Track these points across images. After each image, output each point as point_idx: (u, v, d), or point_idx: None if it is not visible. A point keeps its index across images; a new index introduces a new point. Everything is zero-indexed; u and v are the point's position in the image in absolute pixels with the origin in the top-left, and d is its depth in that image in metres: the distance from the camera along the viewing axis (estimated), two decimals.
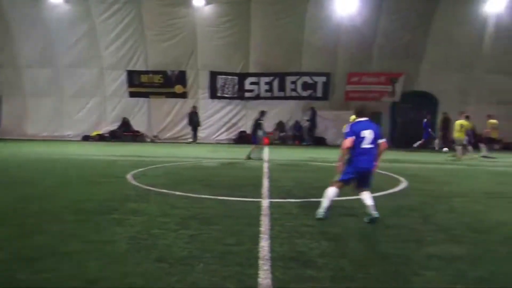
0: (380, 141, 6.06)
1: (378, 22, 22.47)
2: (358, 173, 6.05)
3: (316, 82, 24.47)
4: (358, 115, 6.30)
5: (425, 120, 21.78)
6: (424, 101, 23.81)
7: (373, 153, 6.02)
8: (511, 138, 24.27)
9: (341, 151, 6.10)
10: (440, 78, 23.31)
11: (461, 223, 6.13)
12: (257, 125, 15.32)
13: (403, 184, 9.64)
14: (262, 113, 15.64)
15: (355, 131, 6.01)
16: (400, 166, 13.31)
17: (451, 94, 23.56)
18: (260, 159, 14.78)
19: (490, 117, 18.54)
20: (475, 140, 18.38)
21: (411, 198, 8.09)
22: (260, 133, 15.19)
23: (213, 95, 24.95)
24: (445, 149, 19.33)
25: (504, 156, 18.70)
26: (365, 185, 6.12)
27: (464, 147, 16.96)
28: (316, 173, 11.90)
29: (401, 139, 23.61)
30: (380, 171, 11.66)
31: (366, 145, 5.94)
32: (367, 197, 6.00)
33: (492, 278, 4.00)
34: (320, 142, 24.29)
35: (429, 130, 21.69)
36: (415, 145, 21.37)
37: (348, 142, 5.96)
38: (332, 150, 20.27)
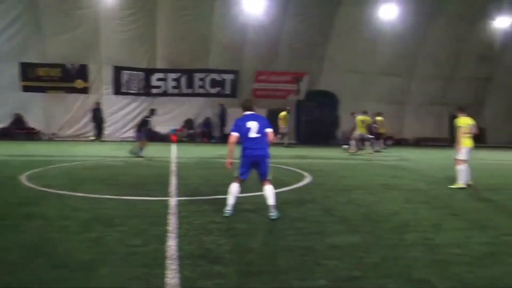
0: (267, 130, 6.25)
1: (284, 22, 23.20)
2: (252, 162, 6.24)
3: (224, 80, 24.60)
4: (244, 109, 6.49)
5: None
6: (326, 100, 25.17)
7: (262, 141, 6.22)
8: (401, 134, 26.71)
9: (228, 147, 6.28)
10: (340, 78, 24.85)
11: (358, 214, 6.59)
12: (144, 122, 14.91)
13: (307, 179, 10.08)
14: (152, 111, 15.24)
15: (239, 126, 6.26)
16: (305, 162, 13.93)
17: (350, 93, 25.23)
18: (140, 156, 13.99)
19: (378, 114, 20.31)
20: (374, 135, 19.81)
21: (314, 192, 8.50)
22: (144, 130, 14.61)
23: (118, 90, 23.79)
24: (345, 146, 20.60)
25: (395, 151, 20.44)
26: (263, 175, 6.24)
27: (362, 142, 18.30)
28: (225, 170, 11.87)
29: (306, 137, 24.73)
30: (287, 167, 12.17)
31: (253, 134, 6.15)
32: (269, 195, 6.11)
33: (383, 263, 4.35)
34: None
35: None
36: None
37: (232, 137, 6.24)
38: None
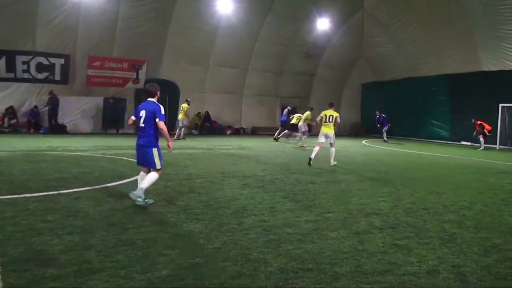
0: (157, 120, 6.34)
1: (120, 6, 22.04)
2: (137, 150, 6.56)
3: (53, 64, 22.23)
4: (146, 95, 6.70)
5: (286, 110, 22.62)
6: (167, 89, 24.86)
7: (145, 131, 6.40)
8: (239, 124, 28.12)
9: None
10: (180, 68, 24.90)
11: (199, 202, 6.76)
12: None
13: None
14: None
15: (136, 111, 6.54)
16: None
17: (191, 83, 25.51)
18: None
19: (187, 102, 21.52)
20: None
21: (156, 182, 8.38)
22: None
23: None
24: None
25: (234, 140, 21.43)
26: (143, 163, 6.55)
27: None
28: (56, 164, 10.89)
29: None
30: (127, 158, 11.73)
31: (141, 124, 6.39)
32: (142, 180, 6.42)
33: (223, 248, 4.56)
34: (60, 130, 22.30)
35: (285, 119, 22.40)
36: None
37: (129, 120, 6.67)
38: (73, 138, 19.10)
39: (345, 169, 11.49)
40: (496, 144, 20.47)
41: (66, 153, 13.22)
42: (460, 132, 23.13)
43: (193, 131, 25.85)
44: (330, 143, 11.99)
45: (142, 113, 6.39)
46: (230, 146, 17.70)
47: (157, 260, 4.12)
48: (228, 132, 26.97)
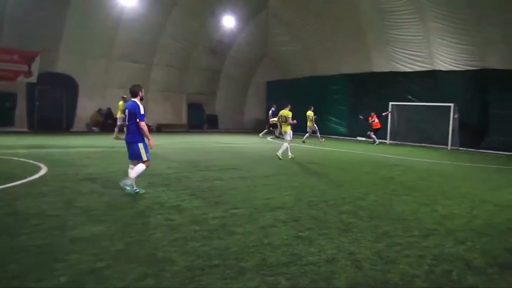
0: (138, 120, 7.05)
1: None
2: (126, 146, 7.38)
3: None
4: (131, 96, 7.30)
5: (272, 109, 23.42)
6: (64, 84, 23.35)
7: (130, 128, 7.21)
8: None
9: None
10: (79, 61, 23.38)
11: (101, 203, 6.45)
12: None
13: (44, 170, 9.22)
14: None
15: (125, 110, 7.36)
16: (41, 152, 12.64)
17: (91, 78, 24.12)
18: None
19: (124, 99, 20.07)
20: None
21: (52, 183, 7.85)
22: None
23: None
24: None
25: None
26: (133, 157, 7.33)
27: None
28: None
29: (40, 124, 22.52)
30: (18, 158, 10.79)
31: (126, 121, 7.24)
32: (130, 171, 7.27)
33: (128, 249, 4.42)
34: None
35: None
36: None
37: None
38: None
39: (252, 165, 11.72)
40: (387, 139, 22.39)
41: None
42: (356, 129, 24.85)
43: (94, 128, 24.49)
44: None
45: (127, 112, 7.19)
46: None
47: (54, 266, 3.85)
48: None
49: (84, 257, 4.11)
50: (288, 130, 13.50)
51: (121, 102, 18.70)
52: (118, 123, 18.74)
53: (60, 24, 22.12)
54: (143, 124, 7.06)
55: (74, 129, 23.55)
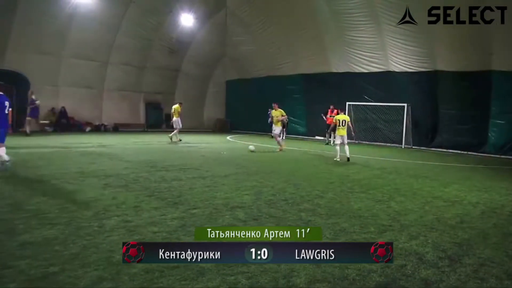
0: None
1: None
2: None
3: None
4: None
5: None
6: (14, 81, 22.25)
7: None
8: (100, 120, 26.48)
9: None
10: (29, 58, 22.37)
11: (54, 205, 6.19)
12: None
13: None
14: None
15: None
16: None
17: (42, 76, 23.14)
18: None
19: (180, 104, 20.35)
20: None
21: (0, 186, 7.47)
22: None
23: None
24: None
25: (94, 137, 20.17)
26: None
27: None
28: None
29: None
30: None
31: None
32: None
33: (83, 253, 4.27)
34: None
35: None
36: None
37: None
38: None
39: (211, 164, 11.65)
40: None
41: None
42: (314, 128, 25.21)
43: (47, 128, 23.51)
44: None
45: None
46: (90, 144, 16.58)
47: (2, 273, 3.66)
48: (87, 129, 25.21)
49: (35, 262, 3.93)
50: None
51: (176, 106, 19.89)
52: (175, 126, 19.54)
53: (8, 20, 21.04)
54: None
55: (24, 129, 22.50)
